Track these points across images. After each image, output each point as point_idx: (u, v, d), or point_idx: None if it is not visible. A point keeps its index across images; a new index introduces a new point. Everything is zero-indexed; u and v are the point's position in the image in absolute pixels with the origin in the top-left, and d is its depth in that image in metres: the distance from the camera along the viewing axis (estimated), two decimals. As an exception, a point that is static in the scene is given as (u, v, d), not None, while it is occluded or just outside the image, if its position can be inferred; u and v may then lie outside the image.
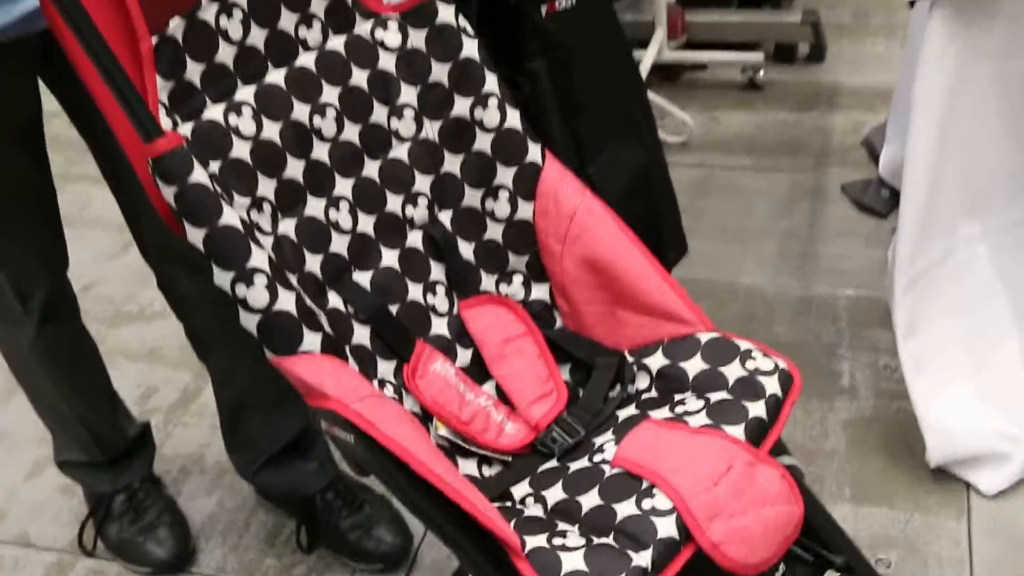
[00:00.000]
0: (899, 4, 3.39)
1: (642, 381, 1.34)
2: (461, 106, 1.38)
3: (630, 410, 1.32)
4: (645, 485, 1.16)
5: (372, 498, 1.90)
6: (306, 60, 1.31)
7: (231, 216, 1.14)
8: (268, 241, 1.23)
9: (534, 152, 1.39)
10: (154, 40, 1.18)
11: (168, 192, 1.13)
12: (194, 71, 1.22)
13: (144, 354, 2.44)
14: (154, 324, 2.54)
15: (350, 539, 1.85)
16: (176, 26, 1.20)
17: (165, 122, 1.18)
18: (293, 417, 1.84)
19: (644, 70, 2.84)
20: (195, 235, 1.14)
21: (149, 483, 1.97)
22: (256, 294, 1.14)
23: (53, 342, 1.73)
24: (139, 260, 2.75)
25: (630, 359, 1.36)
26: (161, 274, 1.74)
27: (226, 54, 1.25)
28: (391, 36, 1.37)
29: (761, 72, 3.13)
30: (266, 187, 1.25)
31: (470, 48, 1.38)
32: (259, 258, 1.15)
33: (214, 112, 1.22)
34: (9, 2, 1.34)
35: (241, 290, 1.14)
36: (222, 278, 1.14)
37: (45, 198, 1.63)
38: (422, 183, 1.39)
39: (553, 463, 1.29)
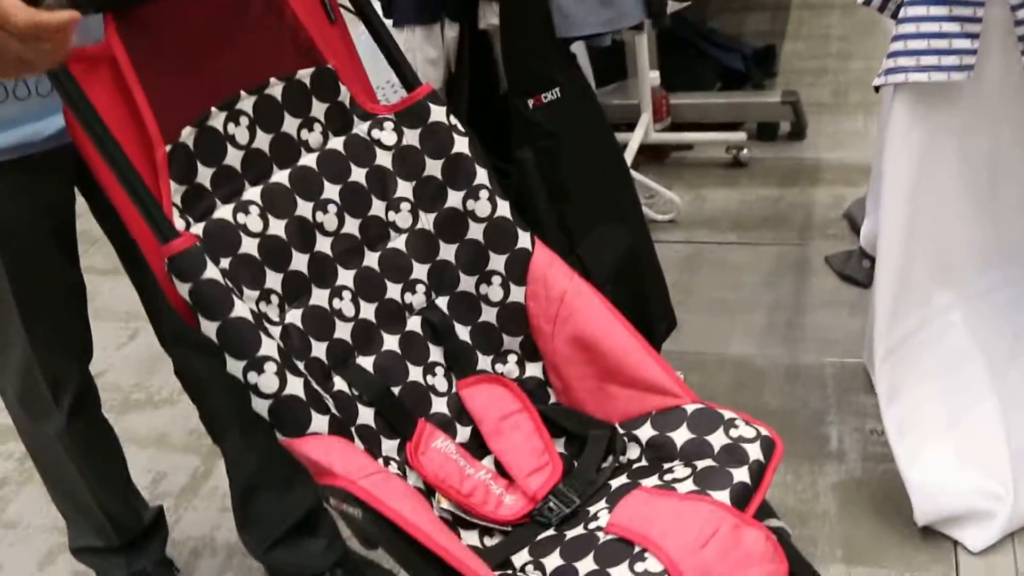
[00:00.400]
0: (874, 81, 3.51)
1: (633, 451, 1.40)
2: (454, 198, 1.46)
3: (622, 479, 1.37)
4: (637, 549, 1.21)
5: (380, 574, 1.94)
6: (308, 160, 1.39)
7: (242, 309, 1.22)
8: (276, 330, 1.30)
9: (524, 239, 1.46)
10: (168, 148, 1.26)
11: (183, 288, 1.20)
12: (205, 175, 1.30)
13: (153, 440, 2.49)
14: (162, 411, 2.59)
15: (359, 615, 1.89)
16: (188, 134, 1.28)
17: (179, 223, 1.25)
18: (302, 496, 1.89)
19: (631, 152, 2.92)
20: (208, 327, 1.21)
21: (162, 567, 2.01)
22: (267, 381, 1.21)
23: (80, 432, 1.78)
24: (146, 349, 2.82)
25: (621, 431, 1.41)
26: (177, 359, 1.79)
27: (234, 158, 1.33)
28: (387, 135, 1.45)
29: (744, 150, 3.20)
30: (273, 280, 1.32)
31: (461, 144, 1.45)
32: (269, 347, 1.22)
33: (224, 212, 1.30)
34: (49, 116, 1.44)
35: (253, 377, 1.21)
36: (234, 366, 1.21)
37: (76, 293, 1.69)
38: (419, 271, 1.46)
39: (550, 531, 1.33)
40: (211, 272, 1.21)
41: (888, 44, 1.73)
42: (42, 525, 2.28)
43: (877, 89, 1.78)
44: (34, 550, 2.24)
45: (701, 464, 1.32)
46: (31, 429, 1.79)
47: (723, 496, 1.27)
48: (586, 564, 1.24)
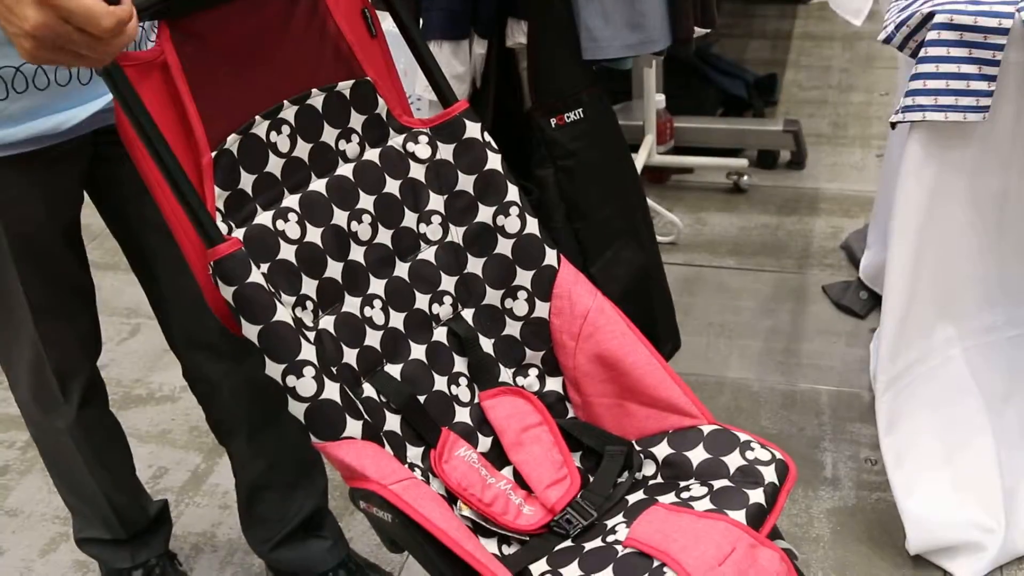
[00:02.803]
0: (874, 116, 3.55)
1: (649, 468, 1.43)
2: (485, 213, 1.49)
3: (638, 495, 1.40)
4: (656, 564, 1.23)
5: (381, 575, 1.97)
6: (345, 170, 1.42)
7: (283, 313, 1.24)
8: (311, 335, 1.32)
9: (551, 257, 1.49)
10: (213, 153, 1.29)
11: (227, 292, 1.23)
12: (247, 181, 1.33)
13: (155, 436, 2.50)
14: (163, 407, 2.60)
15: (359, 616, 1.92)
16: (232, 140, 1.31)
17: (221, 227, 1.27)
18: (307, 497, 1.91)
19: (635, 172, 2.95)
20: (250, 330, 1.23)
21: (166, 559, 2.03)
22: (305, 384, 1.24)
23: (88, 425, 1.79)
24: (147, 345, 2.84)
25: (637, 448, 1.44)
26: (187, 362, 1.79)
27: (275, 165, 1.36)
28: (422, 149, 1.48)
29: (745, 177, 3.23)
30: (309, 286, 1.35)
31: (494, 161, 1.48)
32: (308, 352, 1.25)
33: (264, 218, 1.32)
34: (74, 107, 1.45)
35: (291, 380, 1.23)
36: (273, 369, 1.24)
37: (86, 290, 1.70)
38: (447, 283, 1.49)
39: (568, 543, 1.36)
40: (255, 276, 1.24)
41: (893, 78, 1.77)
42: (43, 514, 2.30)
43: (894, 125, 1.82)
44: (36, 538, 2.26)
45: (717, 484, 1.36)
46: (41, 422, 1.80)
47: (739, 516, 1.30)
48: (605, 576, 1.27)
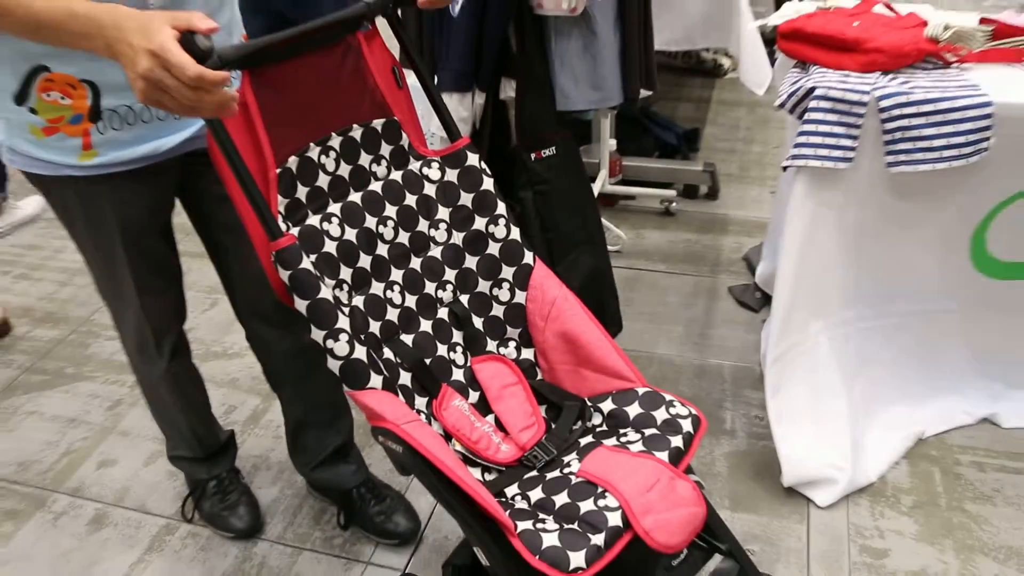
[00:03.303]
0: (769, 163, 3.53)
1: (596, 419, 1.41)
2: (480, 223, 1.47)
3: (588, 439, 1.39)
4: (600, 490, 1.23)
5: (392, 493, 1.94)
6: (376, 187, 1.40)
7: (326, 292, 1.23)
8: (345, 310, 1.31)
9: (528, 257, 1.48)
10: (278, 170, 1.27)
11: (284, 274, 1.21)
12: (302, 192, 1.31)
13: (227, 382, 2.47)
14: (233, 361, 2.57)
15: (376, 521, 1.90)
16: (293, 161, 1.29)
17: (281, 226, 1.25)
18: (337, 433, 1.90)
19: (591, 198, 2.92)
20: (301, 304, 1.21)
21: (232, 473, 2.01)
22: (340, 347, 1.22)
23: (176, 373, 1.77)
24: (223, 315, 2.80)
25: (589, 403, 1.43)
26: (249, 329, 1.77)
27: (323, 181, 1.34)
28: (434, 172, 1.46)
29: (673, 204, 3.20)
30: (345, 273, 1.33)
31: (488, 183, 1.47)
32: (343, 322, 1.23)
33: (313, 220, 1.31)
34: (172, 133, 1.43)
35: (330, 343, 1.21)
36: (317, 334, 1.22)
37: (176, 272, 1.67)
38: (450, 275, 1.47)
39: (534, 473, 1.35)
40: (305, 264, 1.22)
41: (783, 135, 1.77)
42: (146, 435, 2.27)
43: (785, 168, 1.81)
44: (141, 452, 2.23)
45: (648, 432, 1.35)
46: (142, 369, 1.78)
47: (663, 456, 1.29)
48: (561, 498, 1.26)
